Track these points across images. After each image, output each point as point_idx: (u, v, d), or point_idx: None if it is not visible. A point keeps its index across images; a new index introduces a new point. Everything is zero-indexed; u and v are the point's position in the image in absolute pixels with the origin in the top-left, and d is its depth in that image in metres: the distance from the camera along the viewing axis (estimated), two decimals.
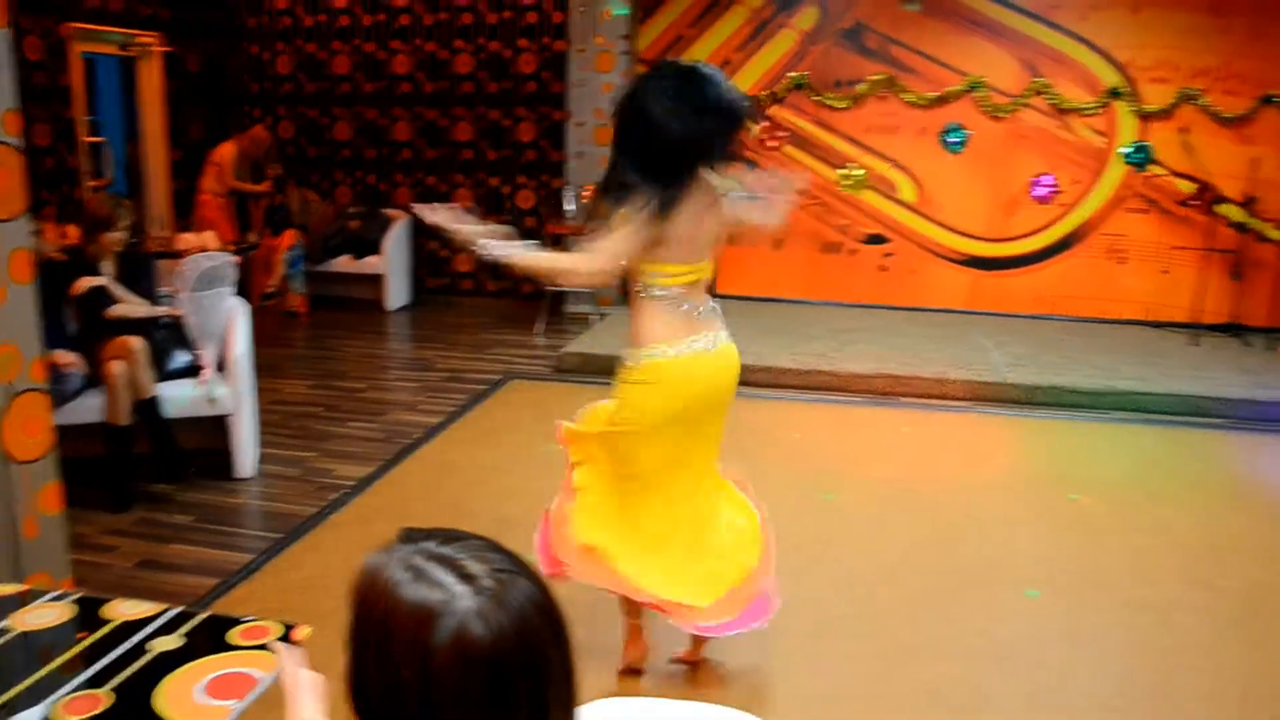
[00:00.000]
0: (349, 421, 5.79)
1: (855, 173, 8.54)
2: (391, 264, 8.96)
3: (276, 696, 1.94)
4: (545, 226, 8.60)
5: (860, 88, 8.36)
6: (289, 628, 1.93)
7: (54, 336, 4.18)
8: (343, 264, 8.97)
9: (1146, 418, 6.16)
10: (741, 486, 3.25)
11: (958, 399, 6.44)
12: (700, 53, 8.61)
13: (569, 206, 8.40)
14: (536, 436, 5.53)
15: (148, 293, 4.79)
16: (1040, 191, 8.34)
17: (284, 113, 9.72)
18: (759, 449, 5.09)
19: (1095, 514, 4.66)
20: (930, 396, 6.46)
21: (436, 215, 2.97)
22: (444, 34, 9.24)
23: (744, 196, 3.06)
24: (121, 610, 1.97)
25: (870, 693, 3.19)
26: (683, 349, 2.92)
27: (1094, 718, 3.08)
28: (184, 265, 5.03)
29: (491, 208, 9.41)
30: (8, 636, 1.89)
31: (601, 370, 6.81)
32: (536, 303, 8.51)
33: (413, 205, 3.10)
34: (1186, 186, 8.04)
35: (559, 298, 8.59)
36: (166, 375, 4.66)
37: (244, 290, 6.13)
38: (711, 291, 3.08)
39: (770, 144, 8.57)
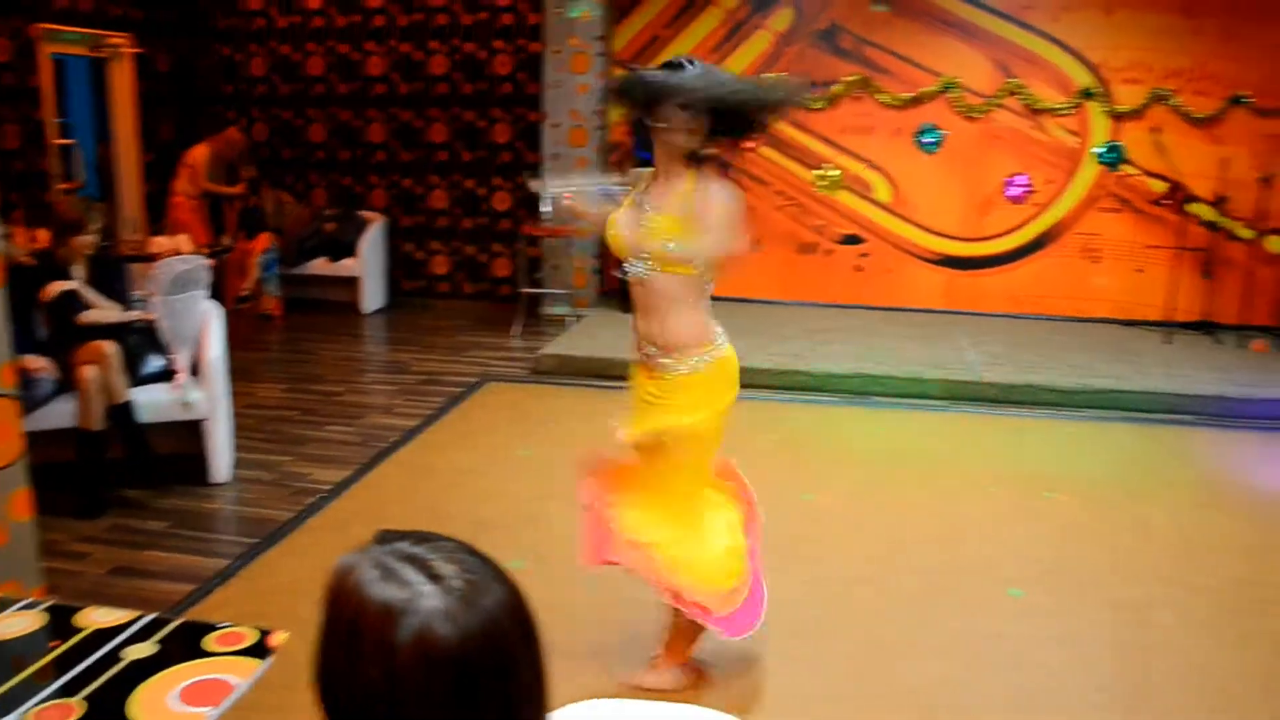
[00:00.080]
0: (325, 425, 5.76)
1: (831, 173, 8.56)
2: (367, 266, 8.92)
3: (252, 702, 1.92)
4: (522, 228, 8.58)
5: (835, 89, 8.38)
6: (265, 633, 1.92)
7: (24, 341, 4.14)
8: (318, 266, 8.92)
9: (1121, 415, 6.20)
10: (730, 473, 3.29)
11: (934, 398, 6.46)
12: (675, 54, 8.59)
13: (545, 208, 8.38)
14: (514, 439, 5.52)
15: (120, 296, 4.75)
16: (1014, 191, 8.39)
17: (258, 114, 9.66)
18: (736, 449, 5.08)
19: (1072, 512, 4.69)
20: (907, 396, 6.48)
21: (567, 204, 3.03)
22: (419, 35, 9.21)
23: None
24: (94, 618, 1.95)
25: (849, 693, 3.19)
26: (725, 342, 3.06)
27: (1074, 715, 3.10)
28: (157, 268, 4.98)
29: (468, 210, 9.39)
30: None
31: (579, 372, 6.82)
32: (513, 305, 8.49)
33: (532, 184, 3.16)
34: (1158, 186, 8.11)
35: (535, 300, 8.57)
36: (140, 380, 4.62)
37: (218, 293, 6.08)
38: None
39: (745, 145, 8.56)
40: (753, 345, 6.91)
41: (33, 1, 7.54)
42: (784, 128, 8.54)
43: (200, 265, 5.02)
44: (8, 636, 1.91)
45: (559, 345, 7.19)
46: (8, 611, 1.99)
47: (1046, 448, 5.69)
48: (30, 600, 2.07)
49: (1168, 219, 8.10)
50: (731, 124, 2.89)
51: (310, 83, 9.52)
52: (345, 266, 8.90)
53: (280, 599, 3.61)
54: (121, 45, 8.50)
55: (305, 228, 9.01)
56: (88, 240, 4.62)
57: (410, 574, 0.94)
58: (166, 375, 4.71)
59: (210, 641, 1.89)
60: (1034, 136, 8.27)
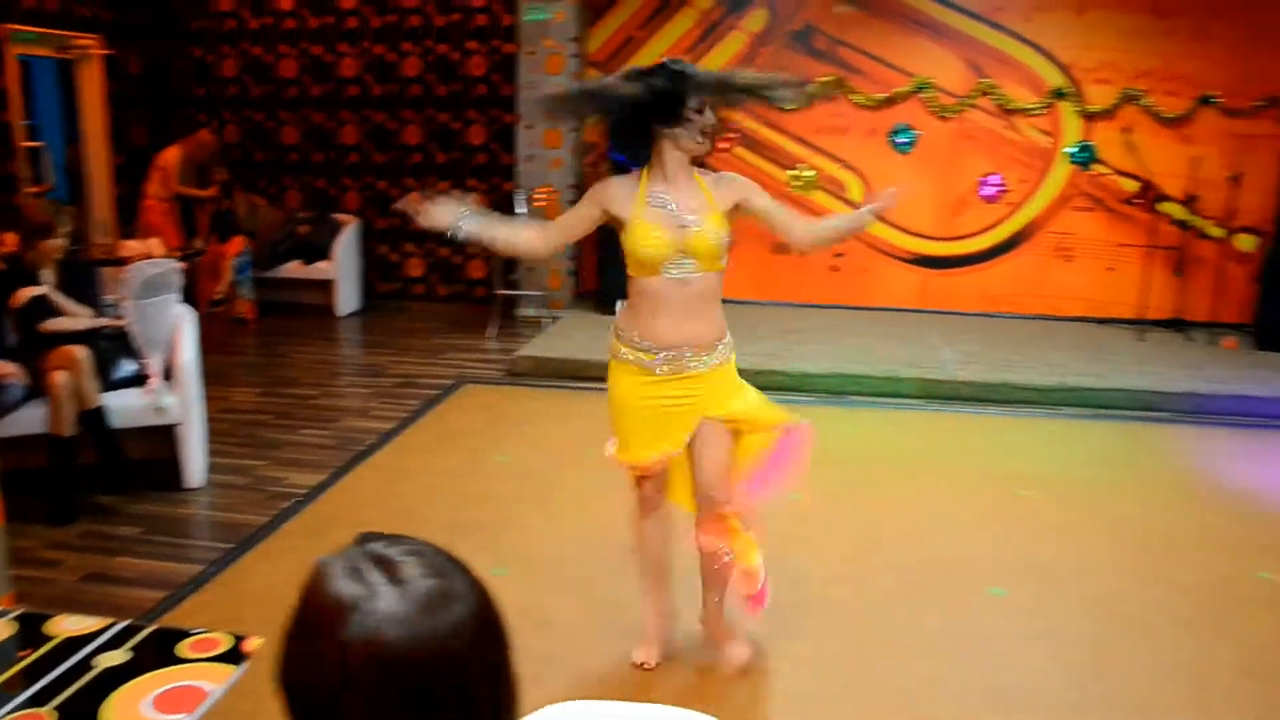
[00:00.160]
0: (300, 429, 5.72)
1: (805, 173, 8.59)
2: (342, 269, 8.87)
3: (227, 708, 1.90)
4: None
5: (811, 88, 8.41)
6: (240, 639, 1.90)
7: None
8: (292, 269, 8.87)
9: (1095, 413, 6.25)
10: None
11: (910, 397, 6.49)
12: (650, 55, 8.61)
13: (520, 210, 8.36)
14: (490, 442, 5.50)
15: (91, 301, 4.70)
16: (988, 191, 8.44)
17: (230, 116, 9.59)
18: None
19: (1047, 509, 4.72)
20: (882, 395, 6.50)
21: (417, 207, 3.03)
22: (392, 36, 9.17)
23: None
24: (65, 626, 1.93)
25: (826, 692, 3.20)
26: None
27: (1049, 713, 3.11)
28: (128, 272, 4.94)
29: None
30: None
31: (555, 374, 6.80)
32: (488, 307, 8.47)
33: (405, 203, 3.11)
34: (1130, 185, 8.17)
35: (511, 301, 8.55)
36: (112, 385, 4.58)
37: (191, 297, 6.03)
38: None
39: (720, 145, 8.59)
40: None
41: None
42: (758, 128, 8.56)
43: (172, 269, 4.97)
44: None
45: (534, 347, 7.18)
46: None
47: (1021, 446, 5.72)
48: None
49: (1139, 218, 8.17)
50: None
51: (283, 85, 9.46)
52: (319, 269, 8.85)
53: (255, 604, 3.58)
54: (90, 46, 8.42)
55: (278, 230, 8.95)
56: (57, 244, 4.57)
57: (374, 575, 0.94)
58: (139, 380, 4.67)
59: (184, 648, 1.87)
60: (1007, 136, 8.32)
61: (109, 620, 1.97)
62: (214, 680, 1.76)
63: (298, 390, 6.50)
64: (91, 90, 8.52)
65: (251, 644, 1.88)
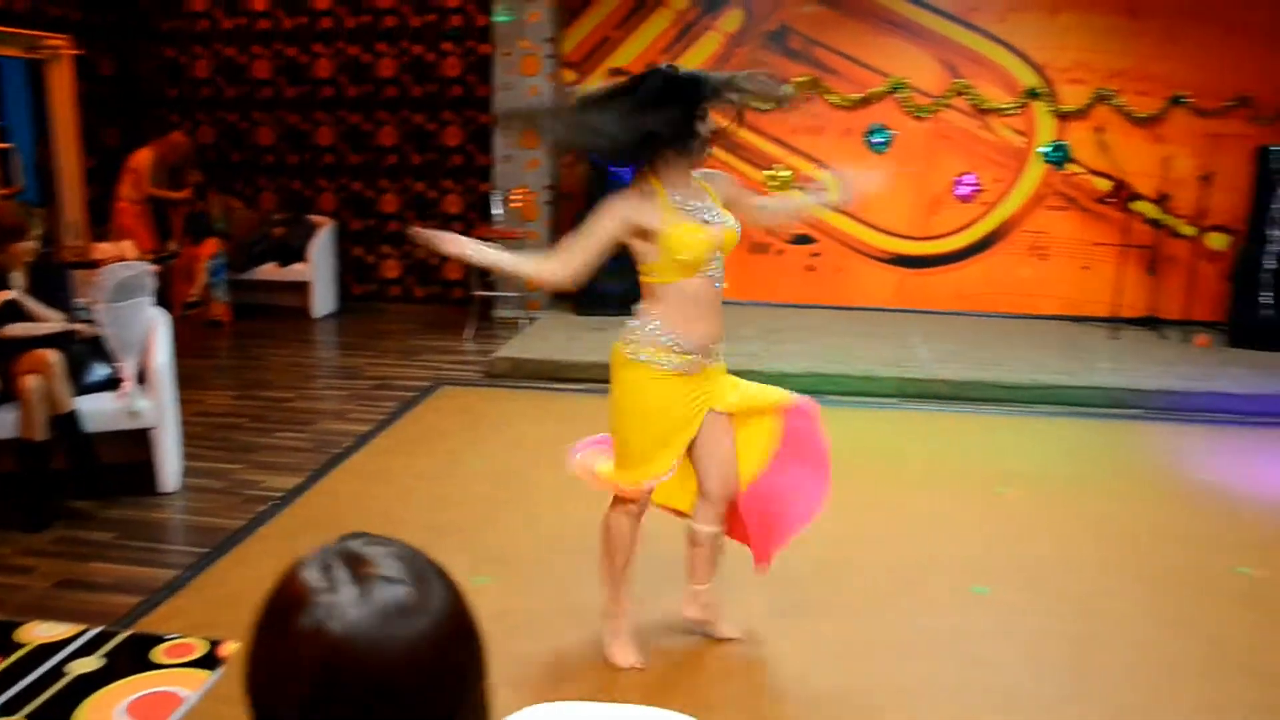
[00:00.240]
0: (276, 432, 5.68)
1: (781, 174, 8.61)
2: (317, 271, 8.82)
3: (203, 714, 1.88)
4: (473, 231, 8.54)
5: (785, 89, 8.41)
6: (215, 644, 1.89)
7: None
8: (267, 272, 8.81)
9: (1071, 410, 6.29)
10: None
11: (886, 396, 6.52)
12: (626, 56, 8.62)
13: (496, 211, 8.34)
14: (468, 443, 5.48)
15: (62, 304, 4.65)
16: (963, 190, 8.49)
17: (203, 118, 9.52)
18: None
19: (1022, 506, 4.75)
20: (859, 394, 6.52)
21: (432, 235, 2.99)
22: (366, 37, 9.13)
23: None
24: (37, 633, 1.91)
25: (802, 692, 3.20)
26: None
27: (1023, 707, 3.13)
28: (100, 275, 4.89)
29: (419, 213, 9.32)
30: None
31: (532, 375, 6.79)
32: (465, 308, 8.45)
33: (416, 233, 3.09)
34: (1103, 184, 8.24)
35: (487, 303, 8.53)
36: (84, 388, 4.53)
37: (165, 300, 5.98)
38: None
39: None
40: None
41: None
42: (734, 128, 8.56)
43: (145, 271, 4.93)
44: None
45: (512, 348, 7.16)
46: None
47: (998, 444, 5.75)
48: None
49: (1113, 217, 8.23)
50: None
51: (257, 85, 9.40)
52: (295, 271, 8.80)
53: (231, 609, 3.54)
54: (60, 47, 8.34)
55: (253, 232, 8.89)
56: (28, 247, 4.52)
57: (340, 572, 0.93)
58: (112, 384, 4.63)
59: (159, 653, 1.85)
60: (981, 136, 8.37)
61: (82, 627, 1.95)
62: (189, 686, 1.75)
63: (273, 393, 6.46)
64: (62, 91, 8.44)
65: (227, 649, 1.86)
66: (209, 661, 1.81)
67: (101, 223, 8.46)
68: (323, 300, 8.91)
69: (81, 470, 4.52)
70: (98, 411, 4.53)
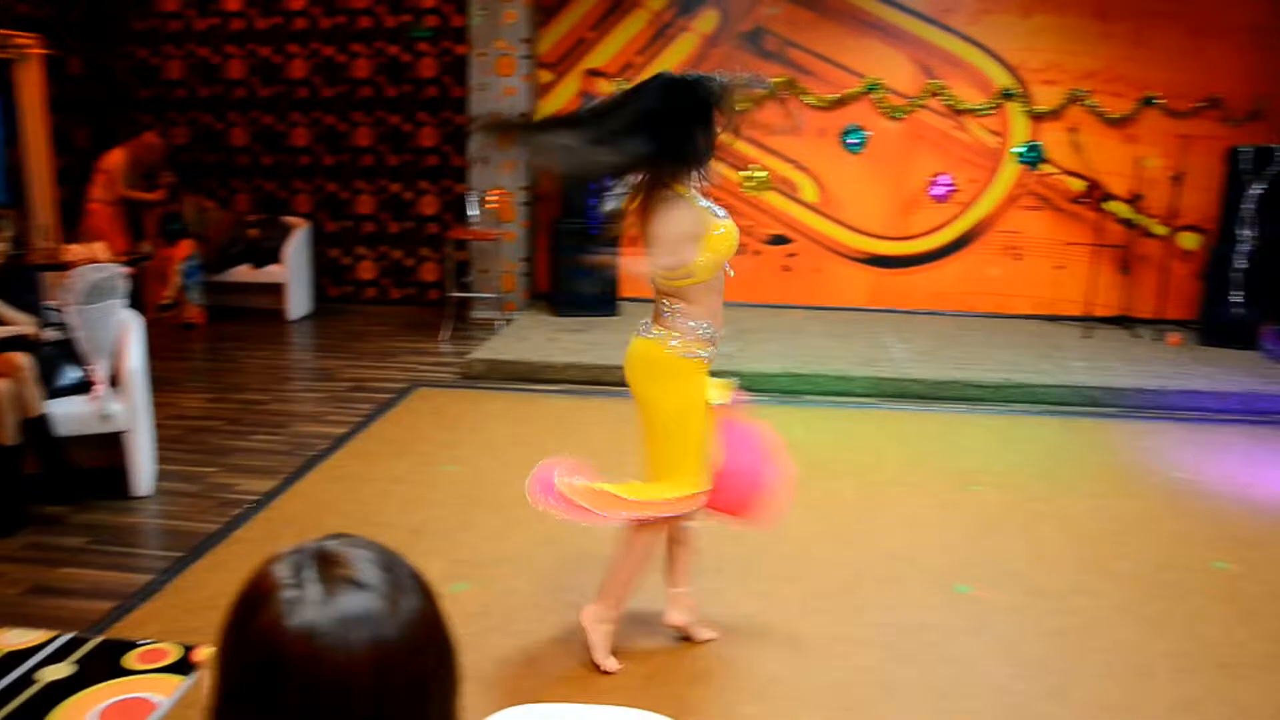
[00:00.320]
0: (251, 435, 5.65)
1: (757, 174, 8.63)
2: (292, 273, 8.77)
3: (176, 719, 1.88)
4: (449, 232, 8.51)
5: (760, 91, 8.42)
6: (189, 649, 1.87)
7: None
8: (242, 273, 8.76)
9: (1044, 409, 6.34)
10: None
11: (861, 395, 6.54)
12: (601, 56, 8.61)
13: (473, 212, 8.32)
14: (444, 445, 5.47)
15: (32, 307, 4.61)
16: (938, 190, 8.53)
17: (177, 118, 9.45)
18: None
19: (997, 504, 4.78)
20: (834, 394, 6.55)
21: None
22: (341, 38, 9.09)
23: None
24: (6, 640, 1.89)
25: (775, 690, 3.21)
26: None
27: (997, 704, 3.15)
28: (72, 277, 4.85)
29: (395, 214, 9.29)
30: None
31: (509, 376, 6.78)
32: (441, 309, 8.42)
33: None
34: (1077, 184, 8.30)
35: (464, 304, 8.51)
36: (56, 392, 4.49)
37: (138, 302, 5.94)
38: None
39: None
40: None
41: None
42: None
43: (117, 273, 4.89)
44: None
45: (488, 349, 7.14)
46: None
47: (972, 442, 5.78)
48: None
49: (1086, 216, 8.30)
50: None
51: (231, 86, 9.34)
52: (270, 273, 8.74)
53: (206, 613, 3.52)
54: (29, 46, 8.25)
55: (228, 234, 8.84)
56: None
57: (309, 571, 0.93)
58: (84, 387, 4.59)
59: (131, 659, 1.83)
60: (956, 137, 8.41)
61: (53, 633, 1.93)
62: (162, 692, 1.74)
63: (248, 396, 6.42)
64: (31, 91, 8.35)
65: (201, 654, 1.85)
66: (182, 667, 1.79)
67: (73, 224, 8.37)
68: (298, 302, 8.86)
69: (53, 475, 4.49)
70: (69, 415, 4.49)
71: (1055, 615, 3.72)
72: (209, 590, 3.74)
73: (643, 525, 3.20)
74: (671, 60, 8.51)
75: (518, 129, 3.31)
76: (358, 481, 4.92)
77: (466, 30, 8.40)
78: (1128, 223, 8.22)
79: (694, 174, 3.07)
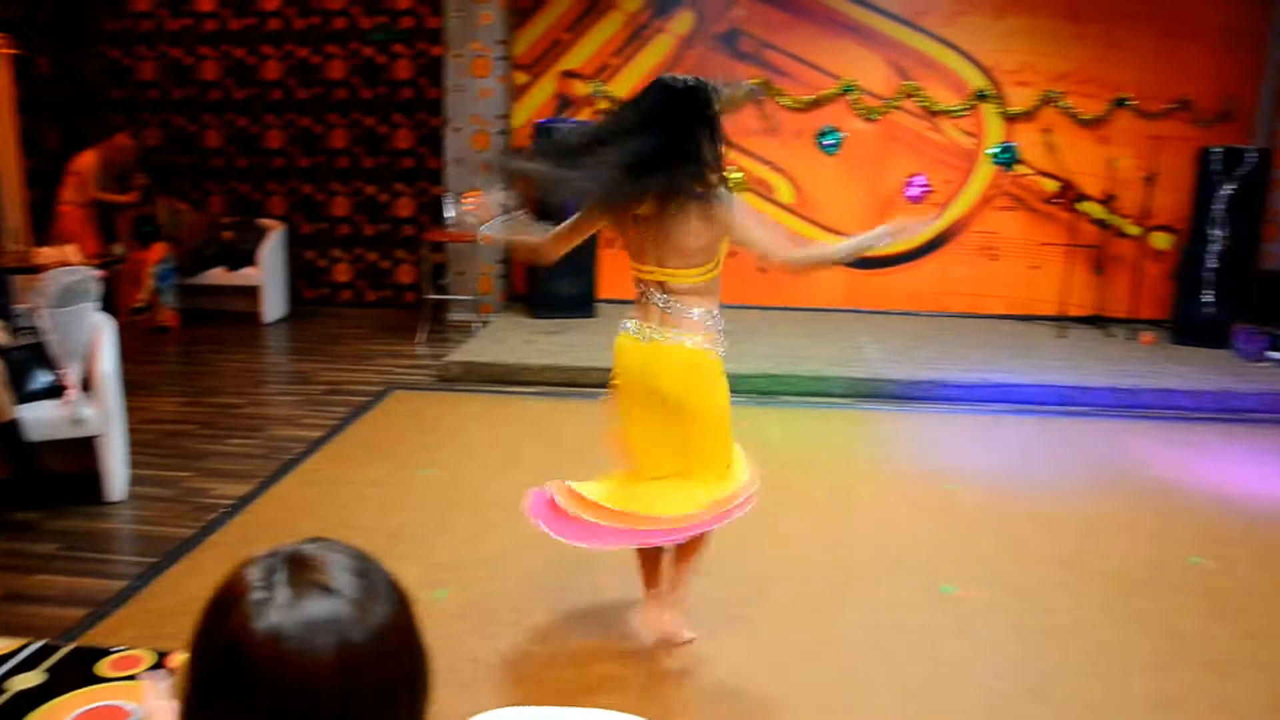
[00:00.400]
0: (226, 439, 5.61)
1: (733, 175, 8.64)
2: (267, 275, 8.72)
3: None
4: (425, 234, 8.48)
5: (736, 93, 8.44)
6: (162, 655, 1.86)
7: None
8: (216, 276, 8.69)
9: (1019, 408, 6.37)
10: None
11: (837, 396, 6.56)
12: (577, 58, 8.61)
13: (449, 213, 8.30)
14: (420, 448, 5.45)
15: (2, 311, 4.56)
16: (913, 191, 8.57)
17: (149, 119, 9.37)
18: None
19: (974, 504, 4.80)
20: (810, 394, 6.56)
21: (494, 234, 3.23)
22: (316, 39, 9.04)
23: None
24: None
25: (753, 691, 3.22)
26: (627, 327, 3.22)
27: (976, 704, 3.16)
28: (43, 280, 4.81)
29: (370, 216, 9.25)
30: None
31: (485, 378, 6.76)
32: (417, 312, 8.39)
33: (482, 234, 3.42)
34: (1051, 185, 8.36)
35: (440, 306, 8.49)
36: (27, 396, 4.45)
37: (111, 305, 5.89)
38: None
39: None
40: None
41: None
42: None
43: (89, 276, 4.85)
44: None
45: (464, 352, 7.12)
46: None
47: (948, 442, 5.81)
48: None
49: (1060, 217, 8.36)
50: None
51: (205, 87, 9.27)
52: (245, 276, 8.69)
53: (181, 619, 3.48)
54: None
55: (202, 236, 8.77)
56: None
57: (280, 575, 0.93)
58: (56, 391, 4.54)
59: (104, 667, 1.82)
60: (931, 138, 8.45)
61: (23, 641, 1.91)
62: (136, 699, 1.72)
63: (223, 399, 6.37)
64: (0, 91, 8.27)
65: (175, 660, 1.83)
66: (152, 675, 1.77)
67: (44, 227, 8.29)
68: (273, 305, 8.81)
69: (25, 480, 4.44)
70: (41, 420, 4.45)
71: (1035, 614, 3.74)
72: (183, 596, 3.71)
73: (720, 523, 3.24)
74: (647, 62, 8.51)
75: (532, 169, 3.32)
76: (334, 485, 4.90)
77: (442, 31, 8.37)
78: (1101, 223, 8.29)
79: (716, 174, 3.08)
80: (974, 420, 6.17)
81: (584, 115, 8.56)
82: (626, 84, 8.55)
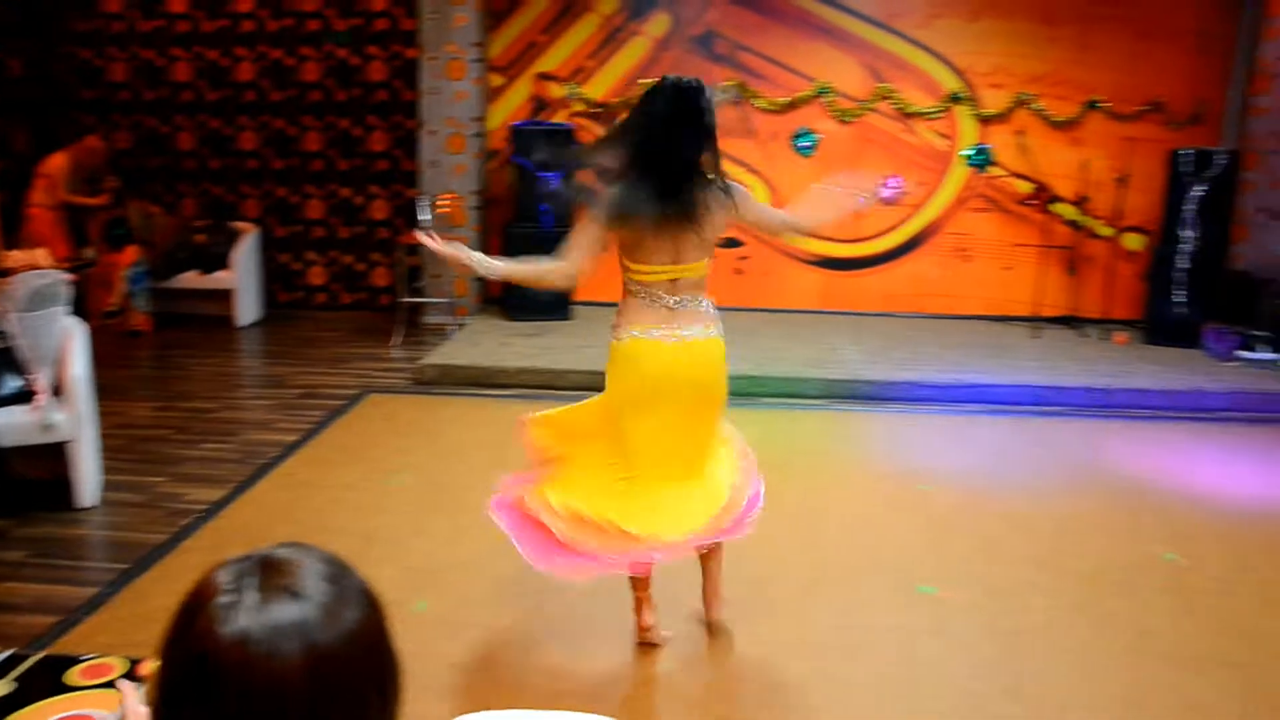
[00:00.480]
0: (200, 443, 5.56)
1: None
2: (241, 278, 8.66)
3: None
4: (400, 237, 8.45)
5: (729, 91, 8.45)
6: (134, 662, 1.84)
7: None
8: (189, 279, 8.62)
9: (994, 409, 6.41)
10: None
11: (813, 397, 6.58)
12: (553, 60, 8.59)
13: (424, 216, 8.27)
14: (396, 451, 5.42)
15: None
16: (888, 193, 8.57)
17: (121, 121, 9.28)
18: None
19: (949, 504, 4.82)
20: (786, 395, 6.58)
21: (440, 246, 3.12)
22: (289, 41, 8.98)
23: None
24: None
25: (728, 691, 3.22)
26: (638, 334, 3.19)
27: (951, 703, 3.17)
28: (12, 284, 4.75)
29: (345, 219, 9.20)
30: None
31: (461, 381, 6.74)
32: (393, 315, 8.35)
33: (416, 234, 3.37)
34: (1024, 186, 8.42)
35: (416, 309, 8.45)
36: None
37: (82, 309, 5.83)
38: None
39: None
40: None
41: None
42: None
43: (59, 280, 4.80)
44: None
45: (440, 355, 7.10)
46: None
47: (923, 442, 5.84)
48: None
49: (1033, 218, 8.41)
50: None
51: (177, 89, 9.19)
52: (218, 279, 8.62)
53: (154, 626, 3.44)
54: None
55: (175, 239, 8.70)
56: None
57: (250, 579, 0.93)
58: (25, 396, 4.49)
59: (74, 675, 1.80)
60: (906, 140, 8.49)
61: None
62: (106, 707, 1.70)
63: (197, 404, 6.32)
64: None
65: (148, 667, 1.81)
66: (129, 681, 1.75)
67: (13, 230, 8.21)
68: (247, 308, 8.75)
69: None
70: (10, 425, 4.39)
71: (1010, 614, 3.75)
72: (156, 602, 3.67)
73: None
74: (623, 64, 8.51)
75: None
76: (309, 489, 4.87)
77: (417, 34, 8.34)
78: (1074, 224, 8.35)
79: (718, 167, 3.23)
80: (949, 421, 6.20)
81: (559, 118, 8.55)
82: (602, 86, 8.55)
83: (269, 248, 9.14)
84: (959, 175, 8.51)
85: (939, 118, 8.42)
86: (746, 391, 6.59)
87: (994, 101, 8.34)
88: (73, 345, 4.65)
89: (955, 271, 8.64)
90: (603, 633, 3.50)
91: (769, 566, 4.09)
